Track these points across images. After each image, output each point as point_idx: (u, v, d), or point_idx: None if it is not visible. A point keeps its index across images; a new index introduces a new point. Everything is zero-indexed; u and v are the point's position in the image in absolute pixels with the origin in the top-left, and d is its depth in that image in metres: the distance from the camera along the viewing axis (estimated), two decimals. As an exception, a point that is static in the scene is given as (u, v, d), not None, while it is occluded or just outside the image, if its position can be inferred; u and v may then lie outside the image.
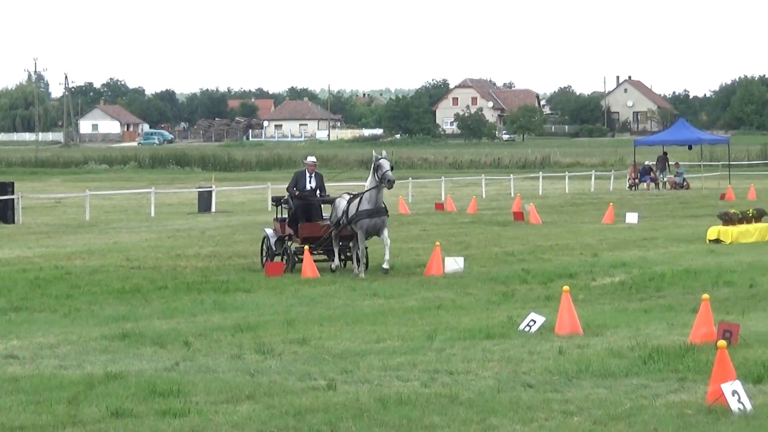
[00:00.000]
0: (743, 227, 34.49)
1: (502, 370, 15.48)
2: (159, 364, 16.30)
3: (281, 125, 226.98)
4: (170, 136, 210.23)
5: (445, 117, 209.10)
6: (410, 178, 71.90)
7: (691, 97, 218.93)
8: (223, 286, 25.36)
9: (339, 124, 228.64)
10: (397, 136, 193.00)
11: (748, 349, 16.13)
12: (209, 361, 16.51)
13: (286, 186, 29.39)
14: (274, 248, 28.33)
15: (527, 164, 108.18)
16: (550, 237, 36.93)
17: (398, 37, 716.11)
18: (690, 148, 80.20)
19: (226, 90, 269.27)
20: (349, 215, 26.34)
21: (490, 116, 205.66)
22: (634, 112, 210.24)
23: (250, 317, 20.73)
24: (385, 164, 26.31)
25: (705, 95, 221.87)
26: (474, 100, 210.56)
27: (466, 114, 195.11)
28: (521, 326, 18.65)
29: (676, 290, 23.69)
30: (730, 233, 33.99)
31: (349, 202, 26.65)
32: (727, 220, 34.69)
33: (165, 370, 15.88)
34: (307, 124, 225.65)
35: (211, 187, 58.40)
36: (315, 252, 27.57)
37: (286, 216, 28.64)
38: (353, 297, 23.66)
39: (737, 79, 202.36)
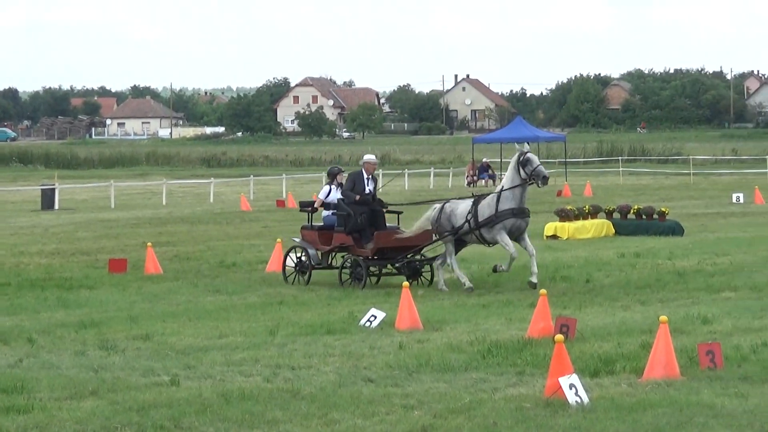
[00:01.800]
0: (579, 223, 35.03)
1: (343, 365, 15.50)
2: (2, 361, 16.09)
3: (124, 123, 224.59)
4: (13, 134, 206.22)
5: (286, 115, 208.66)
6: (252, 176, 71.92)
7: (528, 95, 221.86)
8: (67, 283, 25.13)
9: (181, 123, 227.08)
10: (239, 134, 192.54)
11: (585, 344, 16.38)
12: (53, 358, 16.33)
13: (341, 190, 24.95)
14: (313, 262, 24.65)
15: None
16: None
17: (239, 36, 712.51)
18: (527, 145, 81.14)
19: (69, 88, 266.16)
20: (481, 217, 23.18)
21: (331, 114, 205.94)
22: (472, 110, 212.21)
23: (94, 314, 20.57)
24: (535, 159, 23.72)
25: (542, 93, 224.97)
26: (315, 99, 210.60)
27: (307, 112, 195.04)
28: (362, 322, 18.74)
29: (514, 286, 23.94)
30: (566, 229, 34.51)
31: (476, 203, 23.49)
32: (564, 216, 35.22)
33: (8, 366, 15.66)
34: (149, 122, 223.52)
35: (54, 184, 57.81)
36: (394, 265, 24.31)
37: (321, 224, 25.15)
38: (196, 293, 23.61)
39: (573, 78, 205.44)
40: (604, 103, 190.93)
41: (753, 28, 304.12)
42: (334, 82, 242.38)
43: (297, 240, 25.47)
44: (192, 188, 74.79)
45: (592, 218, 35.75)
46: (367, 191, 24.29)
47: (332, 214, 24.88)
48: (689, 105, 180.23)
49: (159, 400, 13.18)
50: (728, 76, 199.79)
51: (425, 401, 13.10)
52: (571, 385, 12.68)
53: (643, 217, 35.74)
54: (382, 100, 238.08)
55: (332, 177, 25.64)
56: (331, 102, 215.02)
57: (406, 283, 19.14)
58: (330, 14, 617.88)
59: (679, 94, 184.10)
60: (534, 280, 22.67)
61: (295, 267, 24.95)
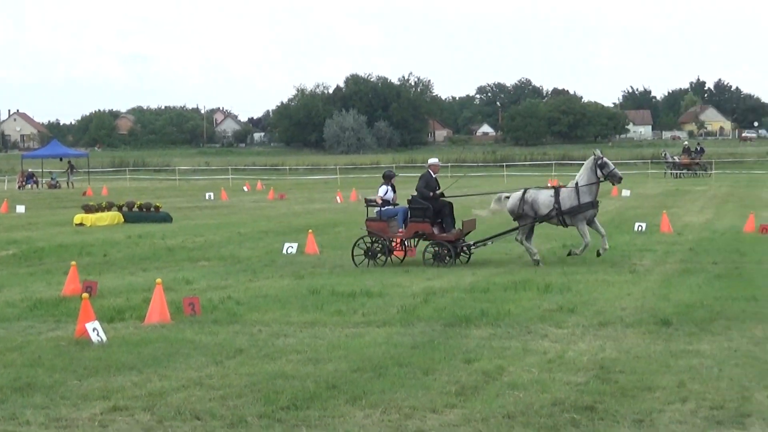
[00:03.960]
0: (100, 215, 34.64)
1: None
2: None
3: None
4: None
5: None
6: None
7: (61, 124, 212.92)
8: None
9: None
10: None
11: (104, 299, 16.21)
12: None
13: (417, 187, 21.65)
14: (390, 246, 21.53)
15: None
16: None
17: None
18: (61, 159, 79.75)
19: None
20: (564, 206, 20.94)
21: None
22: (21, 135, 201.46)
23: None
24: (610, 163, 21.51)
25: (71, 123, 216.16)
26: None
27: None
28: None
29: (53, 259, 23.27)
30: (90, 219, 33.99)
31: (557, 194, 21.20)
32: (88, 209, 34.81)
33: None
34: None
35: None
36: (476, 246, 21.53)
37: (399, 216, 21.55)
38: None
39: (94, 112, 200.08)
40: (116, 129, 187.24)
41: (219, 73, 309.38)
42: None
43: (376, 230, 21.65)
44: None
45: (108, 211, 35.41)
46: (438, 189, 21.63)
47: (386, 208, 21.75)
48: (175, 131, 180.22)
49: None
50: (202, 111, 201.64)
51: None
52: (94, 329, 12.67)
53: (144, 209, 35.79)
54: None
55: (388, 179, 22.19)
56: None
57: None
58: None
59: (168, 123, 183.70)
60: (606, 246, 21.15)
61: (366, 253, 21.48)
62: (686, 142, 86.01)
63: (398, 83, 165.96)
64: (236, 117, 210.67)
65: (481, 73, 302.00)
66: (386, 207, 21.74)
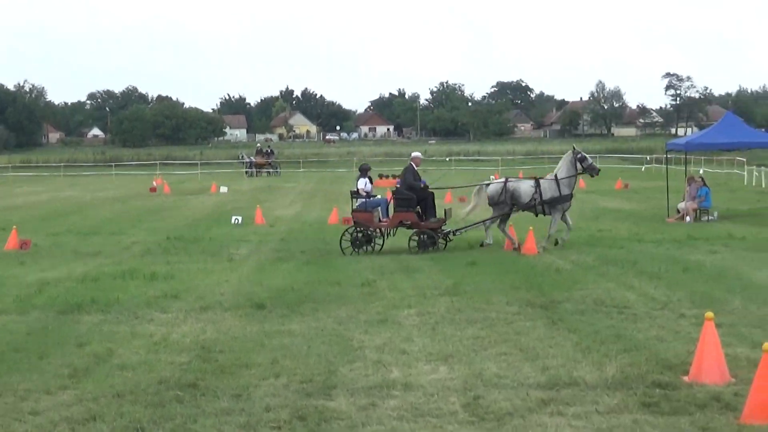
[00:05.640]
0: None
1: None
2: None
3: None
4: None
5: None
6: None
7: None
8: None
9: None
10: None
11: None
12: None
13: (403, 179, 20.90)
14: (374, 233, 20.81)
15: None
16: None
17: None
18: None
19: None
20: (545, 196, 20.63)
21: None
22: None
23: None
24: (588, 157, 21.13)
25: None
26: None
27: None
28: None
29: None
30: None
31: (537, 186, 20.76)
32: None
33: None
34: None
35: None
36: (456, 234, 21.15)
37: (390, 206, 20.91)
38: None
39: None
40: None
41: None
42: None
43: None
44: None
45: None
46: (422, 181, 21.01)
47: (370, 199, 20.99)
48: None
49: None
50: None
51: None
52: None
53: None
54: None
55: (365, 172, 21.43)
56: None
57: None
58: None
59: None
60: (567, 237, 20.86)
61: (352, 244, 20.55)
62: (259, 144, 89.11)
63: (14, 89, 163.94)
64: None
65: (91, 81, 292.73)
66: (370, 199, 21.13)
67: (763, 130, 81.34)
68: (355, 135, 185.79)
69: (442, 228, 20.99)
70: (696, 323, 11.30)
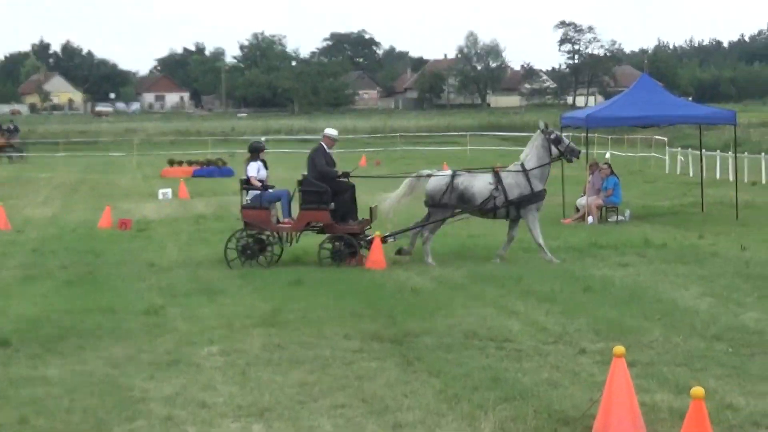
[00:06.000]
0: None
1: None
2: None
3: None
4: None
5: None
6: None
7: None
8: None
9: None
10: None
11: None
12: None
13: (312, 165, 20.10)
14: (277, 237, 20.36)
15: None
16: None
17: None
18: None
19: None
20: (511, 195, 19.91)
21: None
22: None
23: None
24: (563, 137, 20.73)
25: None
26: None
27: None
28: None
29: None
30: None
31: (498, 182, 19.99)
32: None
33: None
34: None
35: None
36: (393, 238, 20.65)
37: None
38: None
39: None
40: None
41: None
42: None
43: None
44: None
45: None
46: (336, 167, 20.56)
47: (265, 191, 20.31)
48: None
49: None
50: None
51: None
52: None
53: None
54: None
55: (256, 153, 20.46)
56: None
57: None
58: None
59: None
60: (503, 253, 20.47)
61: (242, 253, 20.06)
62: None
63: None
64: None
65: None
66: (267, 191, 20.37)
67: (689, 98, 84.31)
68: (136, 106, 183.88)
69: (365, 233, 20.49)
70: (601, 361, 11.57)
